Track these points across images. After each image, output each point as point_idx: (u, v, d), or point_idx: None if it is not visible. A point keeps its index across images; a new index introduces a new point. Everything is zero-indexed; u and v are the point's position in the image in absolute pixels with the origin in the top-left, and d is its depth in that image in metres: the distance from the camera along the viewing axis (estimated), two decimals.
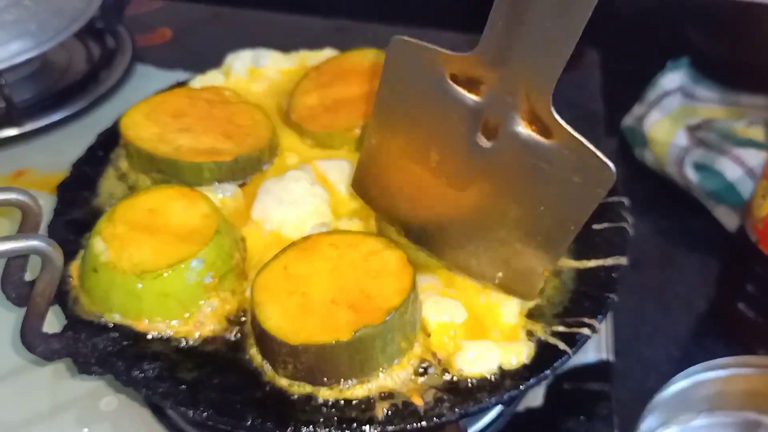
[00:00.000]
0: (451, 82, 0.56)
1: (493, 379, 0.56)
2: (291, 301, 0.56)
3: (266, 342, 0.56)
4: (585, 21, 0.48)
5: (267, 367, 0.57)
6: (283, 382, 0.56)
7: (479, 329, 0.60)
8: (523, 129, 0.54)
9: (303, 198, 0.67)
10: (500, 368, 0.57)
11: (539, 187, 0.55)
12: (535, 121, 0.53)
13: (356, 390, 0.55)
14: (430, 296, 0.60)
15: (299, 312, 0.56)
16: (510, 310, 0.61)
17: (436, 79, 0.56)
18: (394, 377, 0.56)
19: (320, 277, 0.58)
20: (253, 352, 0.58)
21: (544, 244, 0.57)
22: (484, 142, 0.56)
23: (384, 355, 0.56)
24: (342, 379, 0.55)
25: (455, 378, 0.56)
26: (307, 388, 0.55)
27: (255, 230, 0.67)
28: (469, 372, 0.57)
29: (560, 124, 0.52)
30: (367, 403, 0.55)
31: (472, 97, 0.55)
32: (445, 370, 0.57)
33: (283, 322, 0.55)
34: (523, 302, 0.61)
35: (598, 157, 0.51)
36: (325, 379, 0.55)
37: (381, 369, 0.56)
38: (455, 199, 0.59)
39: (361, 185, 0.67)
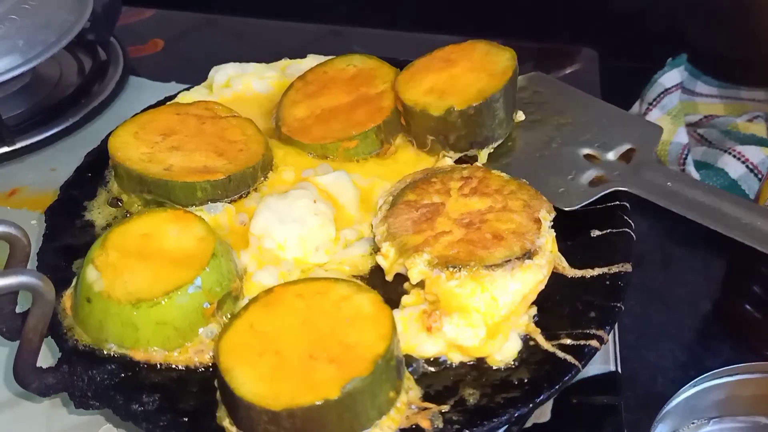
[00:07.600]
0: None
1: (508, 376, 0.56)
2: (264, 362, 0.52)
3: (241, 411, 0.51)
4: None
5: None
6: None
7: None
8: None
9: (306, 216, 0.66)
10: (511, 383, 0.56)
11: None
12: None
13: None
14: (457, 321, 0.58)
15: (275, 373, 0.51)
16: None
17: None
18: (385, 430, 0.52)
19: (292, 332, 0.54)
20: (227, 424, 0.54)
21: None
22: None
23: (374, 409, 0.52)
24: None
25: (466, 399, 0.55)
26: None
27: (253, 248, 0.65)
28: (500, 359, 0.57)
29: None
30: None
31: None
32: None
33: (258, 386, 0.50)
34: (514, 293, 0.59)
35: None
36: None
37: (371, 424, 0.52)
38: None
39: None
